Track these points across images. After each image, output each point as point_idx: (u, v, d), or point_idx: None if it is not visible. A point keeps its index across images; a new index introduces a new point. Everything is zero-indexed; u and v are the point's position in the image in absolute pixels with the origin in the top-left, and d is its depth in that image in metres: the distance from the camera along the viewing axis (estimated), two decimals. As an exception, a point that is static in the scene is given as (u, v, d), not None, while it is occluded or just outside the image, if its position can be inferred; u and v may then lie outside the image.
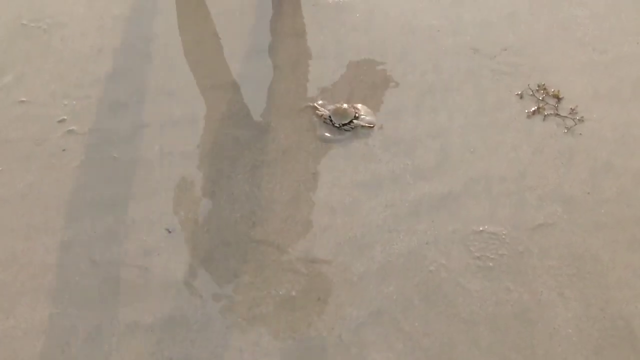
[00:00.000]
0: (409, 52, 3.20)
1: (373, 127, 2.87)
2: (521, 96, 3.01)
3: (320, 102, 2.95)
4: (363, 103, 2.96)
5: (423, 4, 3.42)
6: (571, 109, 2.95)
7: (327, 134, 2.85)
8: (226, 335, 2.28)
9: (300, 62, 3.14)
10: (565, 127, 2.89)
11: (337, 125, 2.86)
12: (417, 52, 3.20)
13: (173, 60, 3.13)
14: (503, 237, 2.54)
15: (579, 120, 2.91)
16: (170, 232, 2.53)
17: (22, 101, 2.92)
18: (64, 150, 2.76)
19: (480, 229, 2.56)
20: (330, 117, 2.88)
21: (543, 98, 2.99)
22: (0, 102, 2.92)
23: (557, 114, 2.93)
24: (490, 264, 2.47)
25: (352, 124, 2.86)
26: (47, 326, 2.29)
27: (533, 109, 2.95)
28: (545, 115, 2.93)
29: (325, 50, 3.20)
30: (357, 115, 2.89)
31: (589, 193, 2.67)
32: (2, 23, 3.26)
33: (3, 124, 2.84)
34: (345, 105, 2.92)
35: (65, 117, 2.86)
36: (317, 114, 2.91)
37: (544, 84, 3.04)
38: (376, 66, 3.13)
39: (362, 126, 2.87)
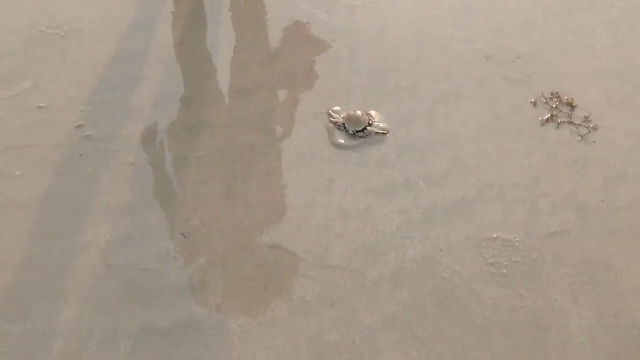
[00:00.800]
0: (421, 59, 3.22)
1: (386, 133, 2.89)
2: (534, 104, 3.01)
3: (334, 108, 2.97)
4: (376, 110, 2.98)
5: (436, 11, 3.44)
6: (585, 116, 2.95)
7: (340, 141, 2.86)
8: (240, 339, 2.29)
9: (314, 69, 3.16)
10: (579, 135, 2.89)
11: (351, 132, 2.87)
12: (430, 59, 3.21)
13: (187, 66, 3.17)
14: (516, 243, 2.54)
15: (592, 128, 2.91)
16: (185, 236, 2.55)
17: (40, 107, 2.95)
18: (80, 155, 2.79)
19: (494, 235, 2.57)
20: (344, 124, 2.90)
21: (556, 106, 3.00)
22: (18, 107, 2.96)
23: (571, 122, 2.94)
24: (504, 270, 2.47)
25: (365, 130, 2.88)
26: (64, 329, 2.31)
27: (546, 116, 2.96)
28: (558, 123, 2.93)
29: (338, 57, 3.22)
30: (370, 122, 2.91)
31: (602, 200, 2.67)
32: (20, 30, 3.31)
33: (21, 129, 2.87)
34: (358, 112, 2.93)
35: (83, 123, 2.90)
36: (331, 121, 2.93)
37: (557, 92, 3.04)
38: (389, 73, 3.15)
39: (376, 133, 2.89)
